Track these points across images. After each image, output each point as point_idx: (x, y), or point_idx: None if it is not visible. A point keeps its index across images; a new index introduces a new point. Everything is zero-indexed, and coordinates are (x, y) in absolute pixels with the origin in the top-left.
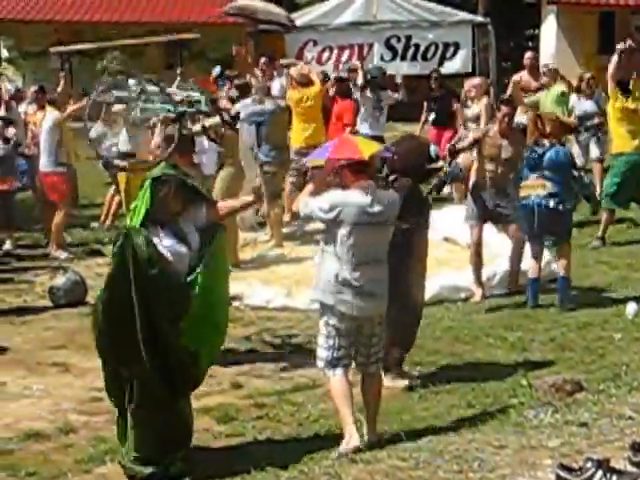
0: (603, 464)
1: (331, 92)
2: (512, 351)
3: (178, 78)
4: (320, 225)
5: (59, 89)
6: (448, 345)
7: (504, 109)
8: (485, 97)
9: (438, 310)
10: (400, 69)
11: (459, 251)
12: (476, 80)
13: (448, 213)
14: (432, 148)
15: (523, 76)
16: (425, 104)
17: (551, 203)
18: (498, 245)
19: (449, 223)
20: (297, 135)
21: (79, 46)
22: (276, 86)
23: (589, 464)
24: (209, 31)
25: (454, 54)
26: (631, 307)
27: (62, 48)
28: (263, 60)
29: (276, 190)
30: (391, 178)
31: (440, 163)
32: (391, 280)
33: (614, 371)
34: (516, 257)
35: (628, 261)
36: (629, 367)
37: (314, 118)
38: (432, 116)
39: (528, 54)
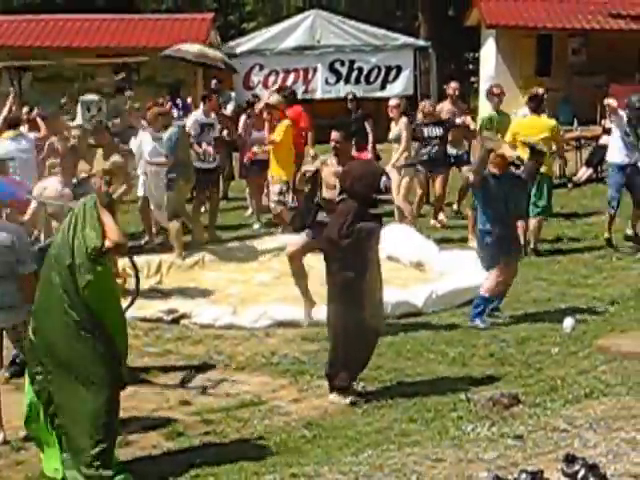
0: (537, 476)
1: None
2: (453, 366)
3: (128, 102)
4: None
5: (4, 112)
6: (391, 361)
7: None
8: (404, 117)
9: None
10: (344, 92)
11: (402, 269)
12: (393, 101)
13: (391, 231)
14: (383, 179)
15: (444, 106)
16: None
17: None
18: (444, 263)
19: (392, 241)
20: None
21: (25, 62)
22: (229, 108)
23: (523, 476)
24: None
25: (396, 77)
26: (568, 322)
27: (7, 63)
28: (214, 82)
29: (178, 207)
30: (338, 198)
31: (388, 196)
32: (343, 303)
33: (550, 384)
34: None
35: (566, 277)
36: (565, 380)
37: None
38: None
39: (453, 84)
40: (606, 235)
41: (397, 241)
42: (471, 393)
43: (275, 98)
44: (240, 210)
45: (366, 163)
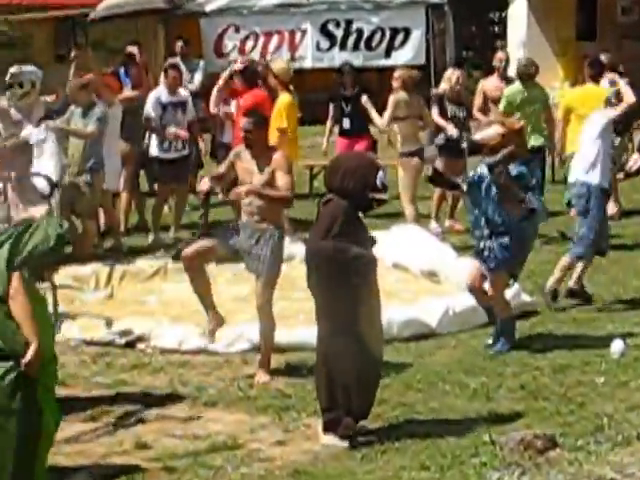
0: None
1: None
2: (474, 400)
3: (72, 70)
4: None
5: None
6: (397, 394)
7: None
8: (400, 92)
9: (386, 350)
10: (340, 61)
11: (411, 280)
12: (396, 72)
13: (397, 234)
14: (380, 174)
15: (490, 82)
16: (331, 107)
17: None
18: (463, 272)
19: (398, 246)
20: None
21: None
22: (197, 79)
23: None
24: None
25: (404, 42)
26: (617, 345)
27: None
28: (179, 44)
29: (92, 206)
30: (325, 198)
31: (385, 195)
32: (344, 337)
33: (595, 423)
34: None
35: (614, 290)
36: (613, 418)
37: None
38: (346, 123)
39: (500, 54)
40: None
41: (405, 246)
42: (497, 434)
43: (280, 65)
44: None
45: (358, 155)
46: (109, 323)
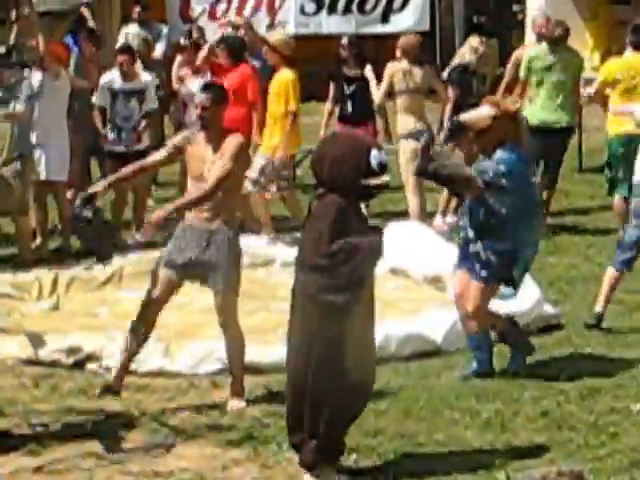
0: None
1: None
2: (487, 431)
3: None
4: None
5: None
6: (396, 422)
7: None
8: (402, 61)
9: (383, 371)
10: (328, 27)
11: (412, 287)
12: (404, 39)
13: (396, 232)
14: (374, 154)
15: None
16: (332, 87)
17: None
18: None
19: (398, 247)
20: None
21: None
22: (159, 49)
23: None
24: None
25: (404, 4)
26: None
27: None
28: (137, 10)
29: (24, 200)
30: (317, 193)
31: (385, 178)
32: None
33: (630, 457)
34: None
35: None
36: None
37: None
38: (347, 107)
39: (539, 20)
40: None
41: (406, 247)
42: (514, 471)
43: (278, 36)
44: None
45: (344, 137)
46: (38, 342)
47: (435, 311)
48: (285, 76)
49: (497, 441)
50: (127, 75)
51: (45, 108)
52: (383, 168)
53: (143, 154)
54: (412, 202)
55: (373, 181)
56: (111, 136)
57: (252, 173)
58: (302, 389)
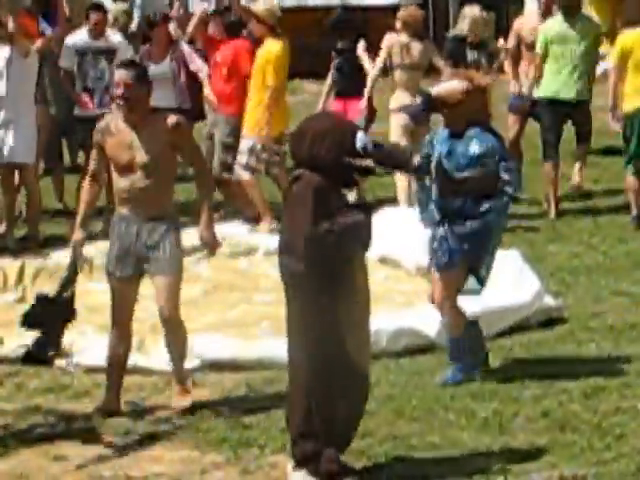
0: None
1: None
2: (484, 432)
3: None
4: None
5: None
6: (387, 423)
7: None
8: (401, 34)
9: (373, 368)
10: None
11: (403, 278)
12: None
13: (385, 218)
14: (359, 136)
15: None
16: (334, 60)
17: None
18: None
19: (389, 235)
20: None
21: None
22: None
23: None
24: None
25: None
26: None
27: None
28: None
29: None
30: (294, 174)
31: (368, 161)
32: (314, 338)
33: (637, 461)
34: None
35: None
36: None
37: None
38: (339, 81)
39: None
40: None
41: (397, 235)
42: (513, 475)
43: (263, 5)
44: None
45: (329, 115)
46: None
47: (427, 304)
48: (270, 47)
49: (495, 443)
50: (96, 35)
51: (12, 86)
52: (367, 154)
53: None
54: (399, 183)
55: (358, 161)
56: (85, 98)
57: (242, 158)
58: (312, 395)
